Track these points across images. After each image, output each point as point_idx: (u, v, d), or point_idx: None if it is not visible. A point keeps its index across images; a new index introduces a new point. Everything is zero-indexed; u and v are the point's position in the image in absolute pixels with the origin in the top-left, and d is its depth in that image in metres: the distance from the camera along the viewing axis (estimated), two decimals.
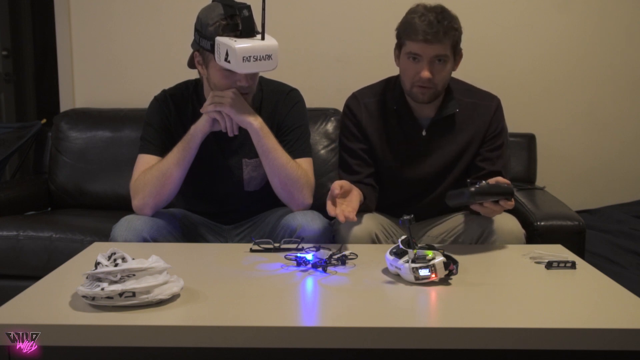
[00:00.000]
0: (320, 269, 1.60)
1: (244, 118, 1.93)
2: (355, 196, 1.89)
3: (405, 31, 1.95)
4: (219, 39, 1.82)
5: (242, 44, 1.79)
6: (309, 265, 1.61)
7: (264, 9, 1.82)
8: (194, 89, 2.09)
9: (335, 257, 1.65)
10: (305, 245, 1.75)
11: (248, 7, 1.85)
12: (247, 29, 1.84)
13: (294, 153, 2.03)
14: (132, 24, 3.08)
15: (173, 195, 1.99)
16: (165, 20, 3.06)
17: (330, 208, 1.79)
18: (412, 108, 2.06)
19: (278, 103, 2.08)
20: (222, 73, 1.91)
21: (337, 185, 1.81)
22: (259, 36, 1.84)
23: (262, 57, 1.82)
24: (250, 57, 1.80)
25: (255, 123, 1.94)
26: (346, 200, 1.86)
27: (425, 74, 1.92)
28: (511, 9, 3.01)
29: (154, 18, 3.07)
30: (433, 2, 1.97)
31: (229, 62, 1.80)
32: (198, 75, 2.06)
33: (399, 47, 2.01)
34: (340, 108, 2.65)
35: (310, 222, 1.90)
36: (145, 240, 1.86)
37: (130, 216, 1.93)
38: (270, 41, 1.83)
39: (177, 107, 2.06)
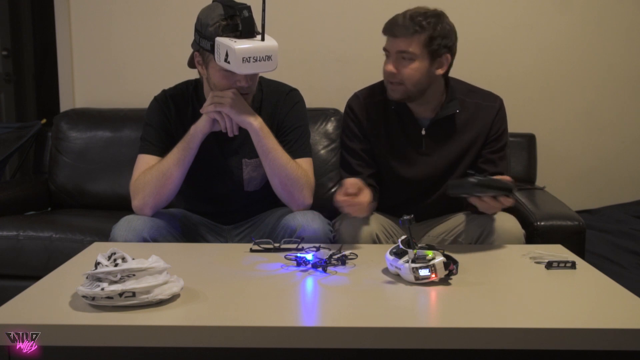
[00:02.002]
0: (320, 269, 1.59)
1: (244, 118, 1.93)
2: (366, 195, 1.88)
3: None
4: (218, 39, 1.82)
5: (241, 45, 1.79)
6: (309, 265, 1.61)
7: (264, 10, 1.82)
8: (194, 89, 2.09)
9: (335, 257, 1.65)
10: (305, 245, 1.75)
11: (248, 8, 1.85)
12: (247, 30, 1.83)
13: (294, 153, 2.03)
14: (132, 24, 3.08)
15: (173, 195, 1.99)
16: (165, 21, 3.06)
17: (338, 196, 1.81)
18: (411, 109, 2.06)
19: (278, 103, 2.08)
20: (221, 73, 1.91)
21: (350, 185, 1.82)
22: (259, 37, 1.84)
23: (262, 58, 1.81)
24: (250, 58, 1.79)
25: (255, 123, 1.94)
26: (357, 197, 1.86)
27: (388, 67, 1.95)
28: (511, 9, 3.01)
29: (153, 18, 3.07)
30: (432, 6, 1.97)
31: (228, 62, 1.80)
32: (198, 75, 2.06)
33: None
34: (340, 108, 2.66)
35: (310, 222, 1.90)
36: (145, 240, 1.86)
37: (130, 216, 1.93)
38: (270, 42, 1.83)
39: (177, 107, 2.06)
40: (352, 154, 2.10)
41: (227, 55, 1.80)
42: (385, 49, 1.96)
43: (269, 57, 1.82)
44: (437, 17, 1.93)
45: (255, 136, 1.95)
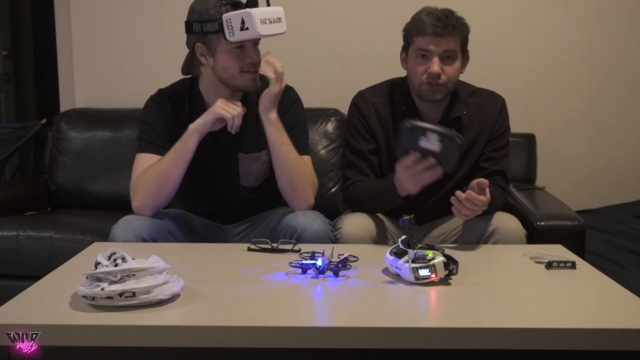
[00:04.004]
0: (330, 273, 1.57)
1: (272, 107, 1.95)
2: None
3: (414, 28, 1.96)
4: (227, 14, 1.84)
5: (256, 9, 1.83)
6: (316, 272, 1.58)
7: None
8: (189, 85, 2.09)
9: (336, 262, 1.61)
10: (303, 248, 1.74)
11: None
12: (252, 0, 1.86)
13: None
14: (132, 24, 3.08)
15: (173, 194, 1.99)
16: (165, 21, 3.06)
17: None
18: (420, 111, 2.06)
19: None
20: (232, 53, 1.92)
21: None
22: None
23: (275, 19, 1.87)
24: (266, 19, 1.84)
25: (273, 115, 1.96)
26: None
27: (435, 68, 1.92)
28: (511, 9, 3.01)
29: (154, 18, 3.07)
30: (437, 5, 1.98)
31: (246, 29, 1.82)
32: (193, 75, 2.06)
33: (406, 47, 2.01)
34: (340, 108, 2.66)
35: (312, 222, 1.90)
36: (144, 240, 1.86)
37: (129, 216, 1.93)
38: (276, 7, 1.88)
39: (173, 105, 2.06)
40: (359, 155, 2.08)
41: (242, 22, 1.82)
42: (425, 49, 1.93)
43: (279, 19, 1.88)
44: (461, 17, 1.95)
45: (271, 127, 1.96)
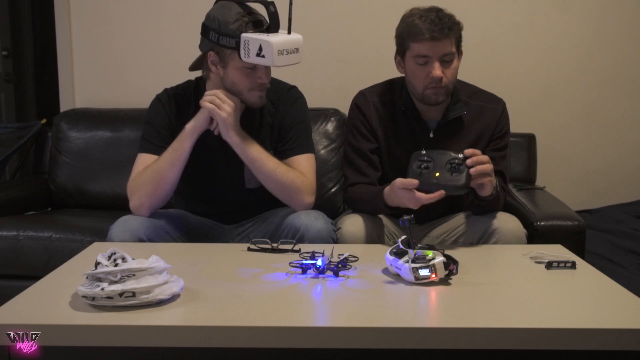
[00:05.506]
0: (330, 273, 1.57)
1: (227, 131, 1.93)
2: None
3: (409, 34, 1.94)
4: (246, 35, 1.83)
5: (276, 39, 1.81)
6: (316, 272, 1.58)
7: (291, 3, 1.85)
8: (195, 87, 2.09)
9: (336, 262, 1.62)
10: (302, 248, 1.74)
11: (273, 3, 1.86)
12: (274, 25, 1.85)
13: (296, 149, 2.03)
14: (132, 24, 3.08)
15: (169, 194, 1.99)
16: (165, 21, 3.06)
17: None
18: (420, 110, 2.06)
19: (278, 101, 2.09)
20: (243, 71, 1.91)
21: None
22: (282, 32, 1.87)
23: (293, 50, 1.86)
24: (284, 50, 1.83)
25: (235, 138, 1.93)
26: None
27: (437, 72, 1.92)
28: (511, 9, 3.01)
29: (154, 18, 3.07)
30: (426, 5, 1.97)
31: (262, 56, 1.81)
32: (202, 74, 2.05)
33: (402, 52, 2.00)
34: (340, 108, 2.65)
35: (314, 221, 1.89)
36: (141, 240, 1.86)
37: (126, 216, 1.93)
38: (296, 35, 1.87)
39: (178, 106, 2.06)
40: (360, 155, 2.08)
41: (260, 49, 1.81)
42: (425, 55, 1.92)
43: (297, 50, 1.88)
44: (452, 14, 1.95)
45: (238, 149, 1.95)
